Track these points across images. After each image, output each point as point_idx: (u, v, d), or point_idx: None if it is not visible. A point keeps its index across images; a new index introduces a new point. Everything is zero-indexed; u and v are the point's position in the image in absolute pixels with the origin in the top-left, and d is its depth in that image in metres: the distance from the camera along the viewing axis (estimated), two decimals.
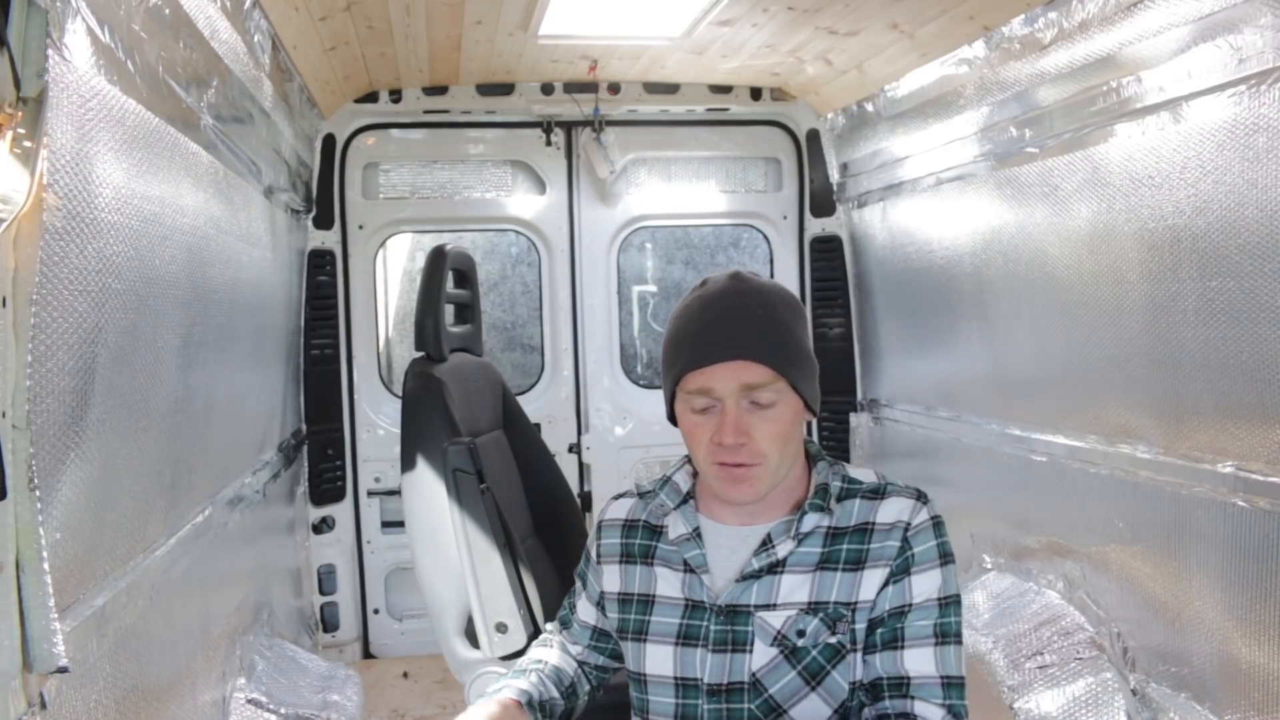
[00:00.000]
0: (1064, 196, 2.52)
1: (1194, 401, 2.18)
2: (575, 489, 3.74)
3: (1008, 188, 2.79)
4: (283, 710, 2.41)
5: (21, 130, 1.18)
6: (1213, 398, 2.11)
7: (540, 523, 2.79)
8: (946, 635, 1.33)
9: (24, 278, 1.19)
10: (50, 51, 1.22)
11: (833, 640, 1.33)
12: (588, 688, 1.57)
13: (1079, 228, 2.48)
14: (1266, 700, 2.03)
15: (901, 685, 1.31)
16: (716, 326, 1.32)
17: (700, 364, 1.31)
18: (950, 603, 1.34)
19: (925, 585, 1.33)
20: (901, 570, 1.33)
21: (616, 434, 4.11)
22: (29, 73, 1.19)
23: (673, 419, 1.42)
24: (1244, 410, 2.03)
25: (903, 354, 3.72)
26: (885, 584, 1.33)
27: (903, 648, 1.31)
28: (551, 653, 1.57)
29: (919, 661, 1.31)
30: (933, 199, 3.25)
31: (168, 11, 1.77)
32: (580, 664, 1.57)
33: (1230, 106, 1.94)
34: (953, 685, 1.31)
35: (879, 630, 1.33)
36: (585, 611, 1.57)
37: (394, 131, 3.90)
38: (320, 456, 3.82)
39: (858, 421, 4.07)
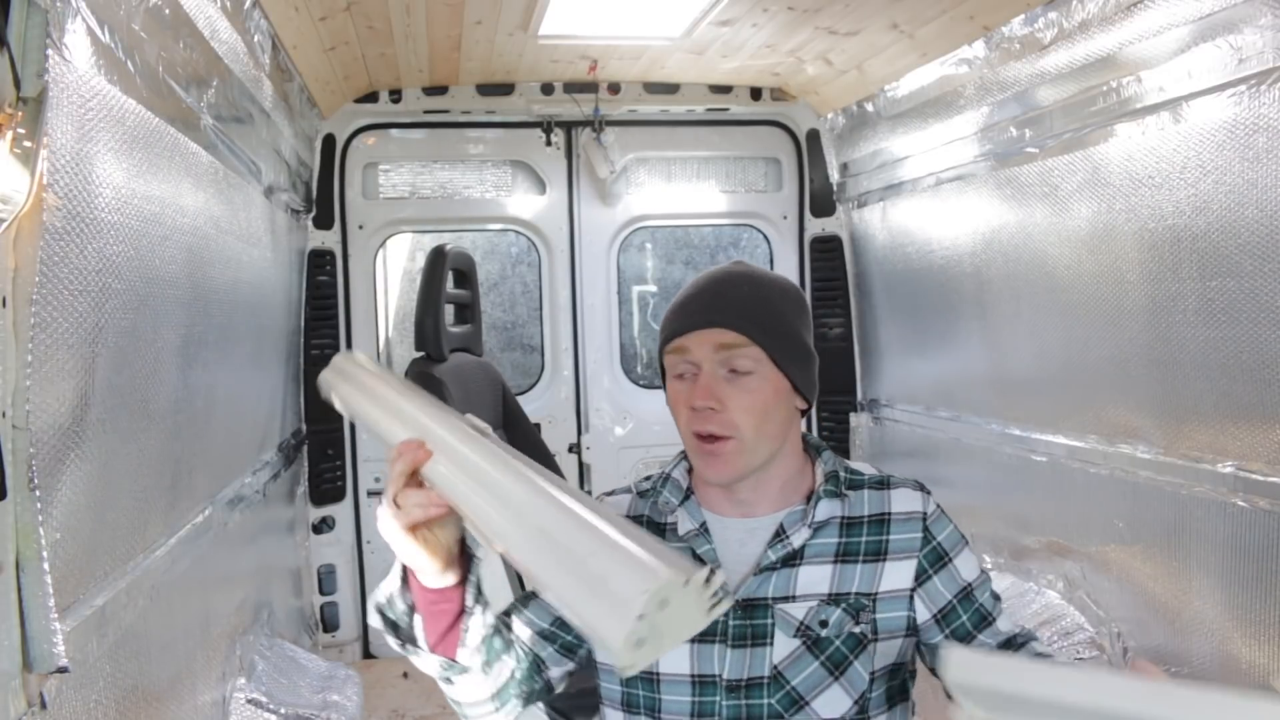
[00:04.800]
0: (1064, 196, 2.52)
1: (1194, 401, 2.18)
2: None
3: (1008, 188, 2.79)
4: (283, 710, 2.41)
5: (21, 130, 1.18)
6: (1213, 398, 2.11)
7: None
8: (998, 600, 1.42)
9: (24, 278, 1.19)
10: (50, 51, 1.22)
11: (856, 630, 1.34)
12: (512, 664, 1.36)
13: (1079, 228, 2.48)
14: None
15: (1014, 640, 1.38)
16: (698, 298, 1.38)
17: (681, 331, 1.35)
18: (988, 575, 1.44)
19: (968, 563, 1.40)
20: (938, 558, 1.38)
21: (616, 434, 4.11)
22: (29, 73, 1.19)
23: None
24: (1244, 410, 2.03)
25: (903, 354, 3.72)
26: (923, 576, 1.37)
27: (994, 618, 1.39)
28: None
29: (1008, 622, 1.40)
30: (933, 199, 3.25)
31: (168, 11, 1.77)
32: (519, 645, 1.39)
33: (1230, 106, 1.94)
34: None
35: (963, 617, 1.38)
36: None
37: (394, 131, 3.89)
38: (320, 456, 3.82)
39: (858, 421, 4.08)
